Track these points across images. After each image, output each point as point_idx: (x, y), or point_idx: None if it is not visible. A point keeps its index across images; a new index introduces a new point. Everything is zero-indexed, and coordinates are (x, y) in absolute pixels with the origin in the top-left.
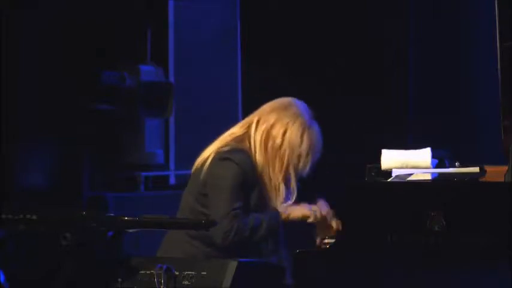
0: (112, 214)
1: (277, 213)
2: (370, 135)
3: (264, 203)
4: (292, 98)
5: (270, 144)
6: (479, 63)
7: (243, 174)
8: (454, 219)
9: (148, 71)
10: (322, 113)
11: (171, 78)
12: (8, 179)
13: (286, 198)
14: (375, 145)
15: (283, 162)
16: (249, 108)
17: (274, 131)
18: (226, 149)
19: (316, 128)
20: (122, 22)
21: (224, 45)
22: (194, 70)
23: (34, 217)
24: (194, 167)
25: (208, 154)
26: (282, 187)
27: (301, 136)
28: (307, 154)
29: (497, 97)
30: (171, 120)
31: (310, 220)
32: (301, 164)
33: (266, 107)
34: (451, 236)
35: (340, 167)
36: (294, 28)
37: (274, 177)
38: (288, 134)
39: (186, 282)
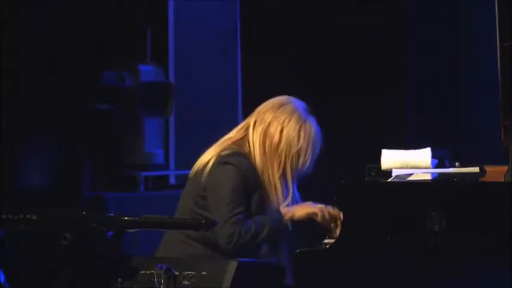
0: (112, 214)
1: (280, 215)
2: (370, 135)
3: (265, 205)
4: (288, 96)
5: (267, 144)
6: (479, 63)
7: (244, 178)
8: (454, 219)
9: (148, 71)
10: (323, 113)
11: (171, 78)
12: (8, 179)
13: (284, 197)
14: (375, 145)
15: (281, 161)
16: (249, 108)
17: (271, 130)
18: (226, 153)
19: (313, 122)
20: (122, 22)
21: (224, 45)
22: (194, 70)
23: (34, 217)
24: (193, 171)
25: (208, 158)
26: (281, 186)
27: (298, 132)
28: (307, 149)
29: (497, 97)
30: (171, 120)
31: (317, 219)
32: (301, 161)
33: (262, 107)
34: (451, 236)
35: (340, 167)
36: (294, 28)
37: (273, 177)
38: (285, 132)
39: (186, 282)
